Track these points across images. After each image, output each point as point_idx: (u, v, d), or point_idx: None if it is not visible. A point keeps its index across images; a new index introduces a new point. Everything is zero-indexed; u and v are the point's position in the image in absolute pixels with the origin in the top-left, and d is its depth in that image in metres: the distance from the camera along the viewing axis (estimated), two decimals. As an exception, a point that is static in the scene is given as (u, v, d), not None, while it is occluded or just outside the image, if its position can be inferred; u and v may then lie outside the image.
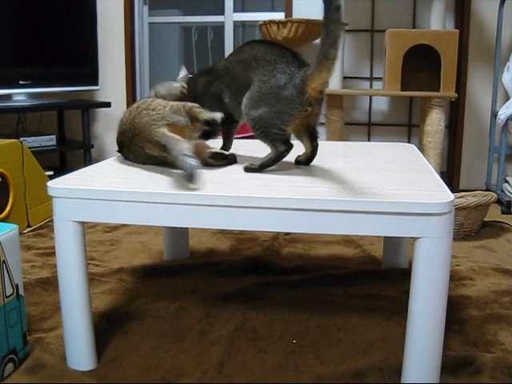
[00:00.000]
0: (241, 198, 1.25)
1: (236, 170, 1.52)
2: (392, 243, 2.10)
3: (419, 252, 1.22)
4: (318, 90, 1.40)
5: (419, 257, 1.23)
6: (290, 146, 1.47)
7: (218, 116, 1.51)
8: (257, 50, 1.48)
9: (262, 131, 1.45)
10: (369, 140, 3.76)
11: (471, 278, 2.05)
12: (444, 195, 1.24)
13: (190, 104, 1.55)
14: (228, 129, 1.68)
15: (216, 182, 1.37)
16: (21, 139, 2.96)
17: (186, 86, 1.71)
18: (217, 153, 1.61)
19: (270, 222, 1.25)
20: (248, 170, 1.48)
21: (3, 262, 1.36)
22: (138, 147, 1.54)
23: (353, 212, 1.22)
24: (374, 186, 1.33)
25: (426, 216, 1.19)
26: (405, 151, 1.90)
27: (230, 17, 4.03)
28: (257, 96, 1.44)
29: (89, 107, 3.71)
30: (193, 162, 1.33)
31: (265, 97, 1.42)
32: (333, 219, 1.23)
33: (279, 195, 1.25)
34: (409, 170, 1.56)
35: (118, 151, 1.66)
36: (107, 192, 1.30)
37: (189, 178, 1.30)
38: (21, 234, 2.55)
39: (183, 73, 1.80)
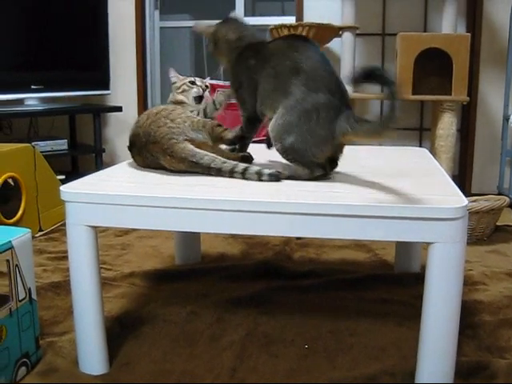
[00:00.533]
0: (253, 202, 1.24)
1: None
2: (404, 247, 2.09)
3: (433, 257, 1.21)
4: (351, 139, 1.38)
5: (433, 262, 1.22)
6: (326, 172, 1.45)
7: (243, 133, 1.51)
8: (309, 61, 1.38)
9: (294, 158, 1.42)
10: (380, 144, 3.74)
11: (484, 282, 2.03)
12: (458, 200, 1.23)
13: (211, 123, 1.54)
14: (250, 129, 1.59)
15: (228, 187, 1.37)
16: (33, 143, 2.98)
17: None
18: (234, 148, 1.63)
19: (282, 226, 1.25)
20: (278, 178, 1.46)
21: (16, 266, 1.37)
22: (150, 155, 1.54)
23: (365, 217, 1.21)
24: (387, 191, 1.33)
25: (440, 221, 1.18)
26: (417, 155, 1.89)
27: (241, 21, 4.03)
28: (291, 122, 1.38)
29: (100, 112, 3.72)
30: (270, 171, 1.41)
31: (300, 125, 1.37)
32: (345, 224, 1.23)
33: (292, 200, 1.24)
34: (422, 174, 1.55)
35: (129, 149, 1.65)
36: (120, 197, 1.30)
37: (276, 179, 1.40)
38: (33, 237, 2.54)
39: (172, 74, 1.81)
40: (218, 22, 1.59)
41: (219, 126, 1.56)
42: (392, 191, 1.33)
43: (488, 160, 3.66)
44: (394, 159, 1.81)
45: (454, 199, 1.25)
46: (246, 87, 1.50)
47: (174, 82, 1.81)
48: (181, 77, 1.83)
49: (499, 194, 3.34)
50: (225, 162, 1.46)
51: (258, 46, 1.50)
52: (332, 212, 1.22)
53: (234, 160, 1.50)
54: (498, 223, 2.69)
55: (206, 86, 1.80)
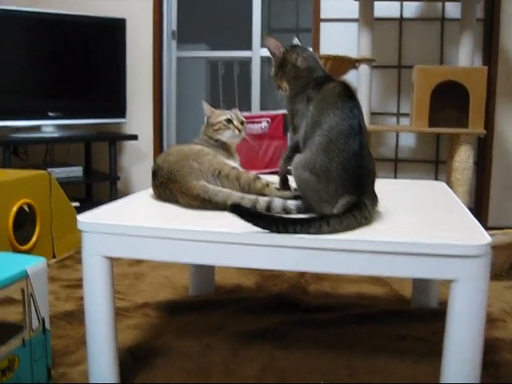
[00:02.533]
0: (271, 236, 1.23)
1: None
2: (422, 282, 2.06)
3: (455, 295, 1.19)
4: None
5: (455, 300, 1.19)
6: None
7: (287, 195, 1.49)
8: (340, 127, 1.34)
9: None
10: (395, 176, 3.73)
11: (504, 319, 2.00)
12: (481, 237, 1.21)
13: (247, 177, 1.52)
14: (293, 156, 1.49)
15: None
16: (48, 170, 2.99)
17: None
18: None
19: (301, 261, 1.23)
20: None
21: (30, 295, 1.35)
22: (169, 192, 1.53)
23: (386, 253, 1.19)
24: (407, 226, 1.31)
25: (463, 258, 1.16)
26: (436, 189, 1.87)
27: (257, 52, 4.06)
28: (301, 179, 1.38)
29: (116, 140, 3.74)
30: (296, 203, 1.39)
31: (309, 182, 1.36)
32: (365, 260, 1.21)
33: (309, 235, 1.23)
34: (442, 209, 1.53)
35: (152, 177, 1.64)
36: (137, 228, 1.29)
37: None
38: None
39: (205, 107, 1.79)
40: (286, 45, 1.57)
41: (257, 179, 1.52)
42: (412, 226, 1.31)
43: (505, 193, 3.62)
44: (413, 193, 1.79)
45: (477, 236, 1.22)
46: (301, 116, 1.47)
47: (209, 116, 1.79)
48: (216, 111, 1.81)
49: (516, 228, 3.30)
50: (243, 198, 1.42)
51: (321, 80, 1.47)
52: (352, 248, 1.20)
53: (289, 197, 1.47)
54: (516, 258, 2.64)
55: (242, 123, 1.78)
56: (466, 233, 1.27)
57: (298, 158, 1.40)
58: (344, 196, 1.32)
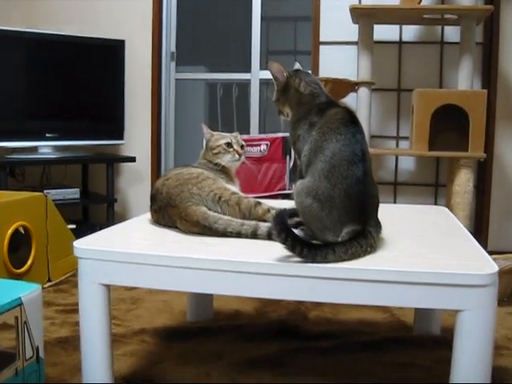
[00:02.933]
0: (272, 265, 1.20)
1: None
2: (424, 309, 2.02)
3: (462, 325, 1.16)
4: None
5: (462, 330, 1.16)
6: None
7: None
8: (343, 154, 1.32)
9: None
10: (395, 200, 3.70)
11: (508, 347, 1.96)
12: (488, 265, 1.19)
13: (247, 202, 1.49)
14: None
15: (244, 246, 1.32)
16: (45, 191, 2.96)
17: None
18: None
19: (303, 291, 1.20)
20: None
21: (24, 323, 1.32)
22: (167, 217, 1.51)
23: (391, 283, 1.16)
24: (412, 254, 1.28)
25: (470, 288, 1.13)
26: (438, 214, 1.85)
27: (257, 74, 4.06)
28: (303, 204, 1.35)
29: (113, 162, 3.71)
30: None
31: (310, 209, 1.33)
32: (370, 290, 1.17)
33: (315, 263, 1.19)
34: (446, 235, 1.50)
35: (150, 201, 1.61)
36: (136, 255, 1.26)
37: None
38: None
39: (205, 130, 1.77)
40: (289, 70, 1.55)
41: (258, 204, 1.50)
42: (416, 254, 1.28)
43: (505, 217, 3.60)
44: (415, 219, 1.76)
45: (484, 264, 1.20)
46: (303, 141, 1.44)
47: (208, 140, 1.77)
48: (215, 134, 1.78)
49: (517, 252, 3.27)
50: (243, 225, 1.40)
51: (324, 106, 1.45)
52: (356, 277, 1.17)
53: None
54: (517, 283, 2.61)
55: (242, 147, 1.76)
56: (473, 261, 1.24)
57: (300, 184, 1.37)
58: (348, 224, 1.29)
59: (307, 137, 1.42)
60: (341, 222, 1.30)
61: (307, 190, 1.33)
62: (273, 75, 1.55)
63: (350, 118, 1.38)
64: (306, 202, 1.33)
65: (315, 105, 1.46)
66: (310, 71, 1.60)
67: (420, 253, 1.29)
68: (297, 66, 1.59)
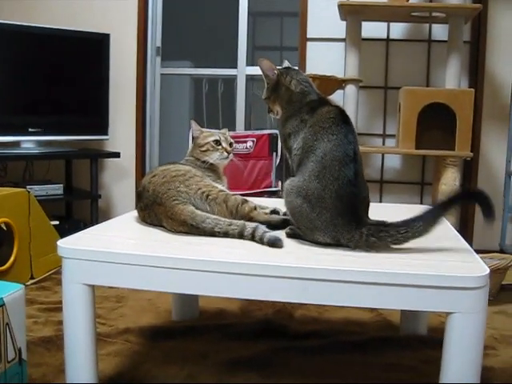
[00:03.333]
0: (262, 266, 1.18)
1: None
2: (411, 309, 2.02)
3: (452, 328, 1.15)
4: None
5: (452, 332, 1.15)
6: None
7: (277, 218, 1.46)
8: (335, 153, 1.31)
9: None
10: (381, 198, 3.70)
11: (493, 347, 1.96)
12: (479, 268, 1.17)
13: (234, 200, 1.48)
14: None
15: (233, 247, 1.30)
16: (27, 187, 2.92)
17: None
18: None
19: (290, 292, 1.18)
20: (291, 235, 1.41)
21: (6, 324, 1.29)
22: (154, 215, 1.48)
23: (381, 284, 1.14)
24: (402, 256, 1.26)
25: (461, 290, 1.12)
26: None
27: (243, 70, 4.03)
28: (293, 205, 1.34)
29: (98, 157, 3.66)
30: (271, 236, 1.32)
31: (301, 208, 1.33)
32: (358, 291, 1.16)
33: (303, 264, 1.18)
34: (435, 236, 1.48)
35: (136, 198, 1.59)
36: (120, 255, 1.23)
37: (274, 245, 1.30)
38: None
39: (194, 127, 1.75)
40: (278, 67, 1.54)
41: (245, 202, 1.48)
42: (406, 256, 1.26)
43: (490, 216, 3.60)
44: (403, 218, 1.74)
45: (475, 266, 1.19)
46: (293, 139, 1.43)
47: (197, 137, 1.74)
48: (204, 131, 1.76)
49: (501, 251, 3.28)
50: (230, 224, 1.38)
51: (315, 104, 1.44)
52: (345, 278, 1.15)
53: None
54: (503, 282, 2.61)
55: (231, 145, 1.74)
56: (464, 263, 1.22)
57: (289, 183, 1.36)
58: (340, 225, 1.28)
59: (298, 134, 1.40)
60: (333, 224, 1.28)
61: (297, 190, 1.31)
62: (263, 72, 1.52)
63: (342, 118, 1.36)
64: (296, 202, 1.31)
65: (306, 103, 1.45)
66: (296, 67, 1.57)
67: (410, 254, 1.27)
68: (286, 63, 1.57)
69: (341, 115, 1.37)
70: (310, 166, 1.31)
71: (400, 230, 1.28)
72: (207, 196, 1.47)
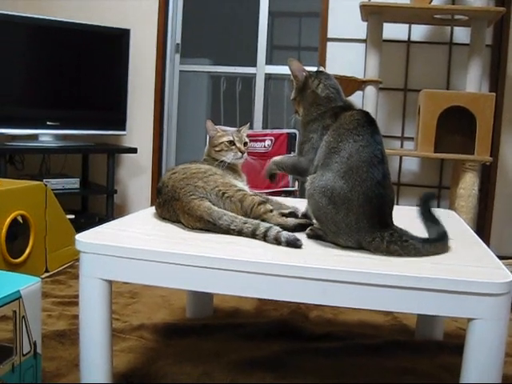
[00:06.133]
0: (281, 266, 1.16)
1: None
2: (427, 313, 1.99)
3: (473, 334, 1.13)
4: None
5: (473, 339, 1.13)
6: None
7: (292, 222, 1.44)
8: (362, 155, 1.29)
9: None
10: (397, 201, 3.67)
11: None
12: (502, 274, 1.15)
13: (251, 200, 1.46)
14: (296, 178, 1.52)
15: (252, 246, 1.29)
16: (44, 180, 2.92)
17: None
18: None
19: (310, 293, 1.17)
20: (312, 236, 1.39)
21: (22, 317, 1.28)
22: (172, 210, 1.48)
23: (402, 288, 1.13)
24: (422, 259, 1.24)
25: (484, 296, 1.10)
26: (447, 219, 1.80)
27: (262, 69, 4.02)
28: (317, 205, 1.33)
29: (115, 152, 3.66)
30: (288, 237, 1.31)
31: (327, 210, 1.31)
32: (379, 294, 1.14)
33: (323, 265, 1.16)
34: (457, 241, 1.46)
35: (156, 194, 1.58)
36: (140, 251, 1.22)
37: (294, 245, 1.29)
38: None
39: (210, 127, 1.74)
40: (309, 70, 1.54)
41: (262, 203, 1.46)
42: (428, 260, 1.24)
43: (508, 221, 3.57)
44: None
45: (498, 273, 1.17)
46: (313, 142, 1.42)
47: (212, 137, 1.73)
48: (220, 130, 1.75)
49: (519, 257, 3.25)
50: (246, 223, 1.37)
51: (339, 110, 1.42)
52: (365, 281, 1.13)
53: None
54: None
55: (245, 144, 1.73)
56: (487, 269, 1.20)
57: (311, 183, 1.34)
58: (366, 229, 1.27)
59: (318, 140, 1.38)
60: (357, 227, 1.26)
61: (321, 190, 1.30)
62: (292, 73, 1.52)
63: (368, 119, 1.35)
64: (321, 202, 1.29)
65: (330, 108, 1.43)
66: (329, 73, 1.56)
67: (431, 258, 1.26)
68: (320, 68, 1.57)
69: (366, 117, 1.35)
70: (334, 167, 1.29)
71: (425, 245, 1.28)
72: (223, 194, 1.46)
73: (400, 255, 1.25)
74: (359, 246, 1.29)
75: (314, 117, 1.44)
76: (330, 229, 1.30)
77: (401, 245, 1.25)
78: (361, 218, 1.26)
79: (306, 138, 1.45)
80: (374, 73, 3.21)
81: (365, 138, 1.30)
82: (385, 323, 2.18)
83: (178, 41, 4.10)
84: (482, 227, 3.57)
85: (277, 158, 1.56)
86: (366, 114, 1.37)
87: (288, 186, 3.14)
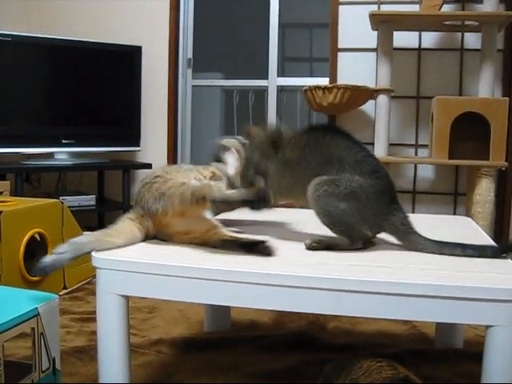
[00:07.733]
0: (296, 277, 1.16)
1: (284, 245, 1.43)
2: (446, 321, 1.98)
3: (492, 341, 1.11)
4: None
5: (492, 347, 1.11)
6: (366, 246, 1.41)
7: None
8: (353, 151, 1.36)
9: (339, 230, 1.37)
10: (413, 209, 3.65)
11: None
12: (520, 280, 1.14)
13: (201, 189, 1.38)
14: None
15: (269, 259, 1.29)
16: (61, 198, 2.95)
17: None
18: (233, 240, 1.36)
19: (324, 303, 1.16)
20: (312, 248, 1.39)
21: (41, 334, 1.29)
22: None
23: (419, 296, 1.12)
24: (439, 266, 1.24)
25: (503, 303, 1.08)
26: (463, 225, 1.80)
27: (274, 81, 4.03)
28: (334, 193, 1.34)
29: (129, 168, 3.69)
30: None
31: (348, 200, 1.34)
32: (394, 303, 1.13)
33: (337, 275, 1.16)
34: (473, 247, 1.45)
35: None
36: (157, 266, 1.22)
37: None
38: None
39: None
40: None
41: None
42: (443, 267, 1.23)
43: (525, 227, 3.55)
44: (439, 229, 1.71)
45: (516, 278, 1.15)
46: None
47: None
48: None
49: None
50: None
51: (274, 136, 1.51)
52: (382, 290, 1.13)
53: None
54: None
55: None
56: (504, 275, 1.19)
57: (316, 186, 1.35)
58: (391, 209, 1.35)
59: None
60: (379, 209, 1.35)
61: (341, 197, 1.32)
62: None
63: (334, 128, 1.48)
64: (340, 207, 1.32)
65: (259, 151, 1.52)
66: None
67: (448, 265, 1.25)
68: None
69: (331, 126, 1.51)
70: (335, 172, 1.35)
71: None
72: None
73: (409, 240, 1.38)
74: (381, 230, 1.38)
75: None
76: (348, 224, 1.34)
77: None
78: (380, 199, 1.34)
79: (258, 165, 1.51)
80: (385, 81, 3.21)
81: (344, 141, 1.38)
82: (403, 332, 2.17)
83: (190, 56, 4.14)
84: (500, 233, 3.54)
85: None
86: (328, 125, 1.48)
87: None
